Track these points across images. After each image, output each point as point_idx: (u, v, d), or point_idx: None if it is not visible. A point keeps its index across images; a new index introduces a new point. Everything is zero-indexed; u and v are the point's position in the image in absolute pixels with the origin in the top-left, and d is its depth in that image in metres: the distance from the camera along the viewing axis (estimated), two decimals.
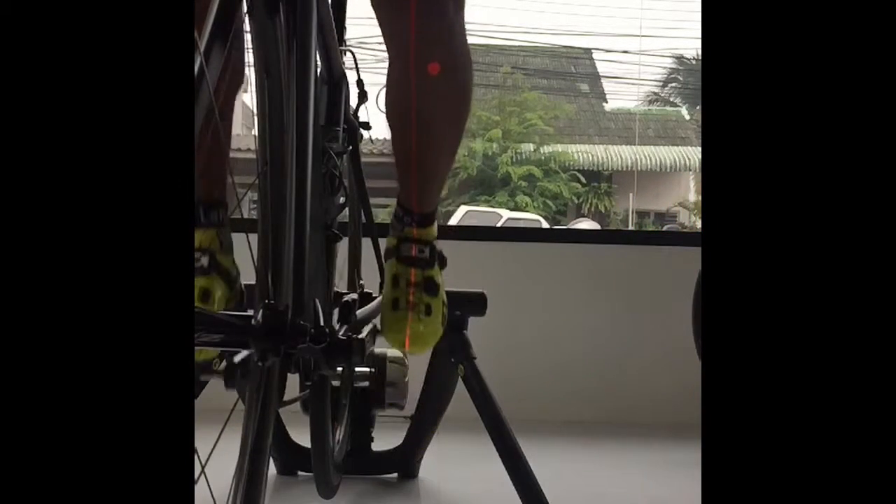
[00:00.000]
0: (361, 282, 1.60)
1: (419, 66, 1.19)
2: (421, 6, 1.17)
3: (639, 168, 14.61)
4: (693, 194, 14.60)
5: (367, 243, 1.62)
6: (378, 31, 1.26)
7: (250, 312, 0.81)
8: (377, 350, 1.62)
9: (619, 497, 1.71)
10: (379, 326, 1.30)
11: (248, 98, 1.35)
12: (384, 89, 1.28)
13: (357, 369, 1.52)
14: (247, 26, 0.81)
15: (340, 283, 1.44)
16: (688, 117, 16.15)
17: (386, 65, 1.29)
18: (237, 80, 1.17)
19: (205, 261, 1.14)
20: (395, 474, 1.72)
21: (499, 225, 10.87)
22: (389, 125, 1.29)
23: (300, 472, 1.69)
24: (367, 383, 1.59)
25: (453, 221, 11.34)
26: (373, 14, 1.25)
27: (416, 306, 1.28)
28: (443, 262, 1.35)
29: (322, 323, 0.91)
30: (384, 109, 1.30)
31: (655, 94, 17.26)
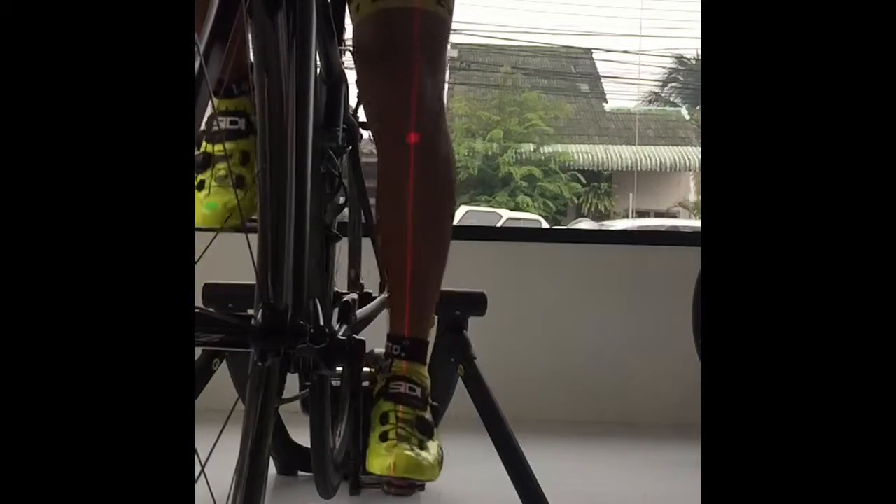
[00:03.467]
0: (361, 282, 1.60)
1: (416, 139, 1.19)
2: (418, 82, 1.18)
3: (639, 168, 14.61)
4: (693, 194, 14.60)
5: (366, 243, 1.62)
6: None
7: (250, 312, 0.81)
8: (377, 350, 1.62)
9: (619, 497, 1.71)
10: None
11: None
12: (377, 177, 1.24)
13: None
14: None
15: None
16: (688, 117, 16.14)
17: None
18: None
19: (241, 123, 1.18)
20: None
21: (499, 225, 10.87)
22: (382, 210, 1.24)
23: (300, 472, 1.69)
24: (366, 383, 1.58)
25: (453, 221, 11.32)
26: None
27: (407, 439, 1.15)
28: (436, 415, 1.24)
29: (322, 323, 0.91)
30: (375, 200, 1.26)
31: (655, 94, 17.25)
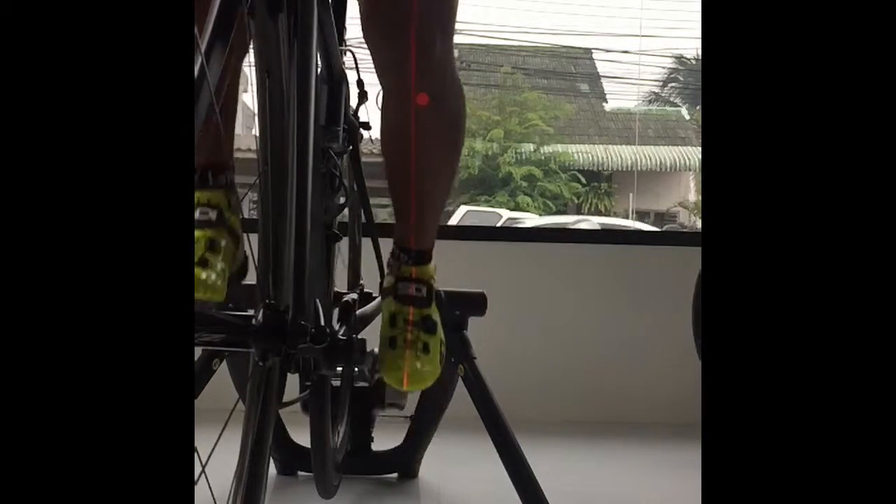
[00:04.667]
0: (361, 282, 1.60)
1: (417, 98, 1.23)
2: (416, 39, 1.19)
3: (639, 168, 14.62)
4: (693, 194, 14.61)
5: (367, 243, 1.62)
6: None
7: (251, 312, 0.81)
8: (377, 350, 1.62)
9: (619, 497, 1.71)
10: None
11: (248, 98, 1.36)
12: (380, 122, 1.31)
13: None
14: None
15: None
16: (688, 117, 16.15)
17: None
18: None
19: (213, 214, 1.19)
20: (395, 474, 1.72)
21: (499, 225, 10.86)
22: (386, 157, 1.32)
23: (300, 472, 1.69)
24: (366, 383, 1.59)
25: (453, 221, 11.33)
26: None
27: (413, 344, 1.28)
28: (440, 302, 1.37)
29: (322, 323, 0.91)
30: (380, 142, 1.32)
31: (655, 94, 17.26)
